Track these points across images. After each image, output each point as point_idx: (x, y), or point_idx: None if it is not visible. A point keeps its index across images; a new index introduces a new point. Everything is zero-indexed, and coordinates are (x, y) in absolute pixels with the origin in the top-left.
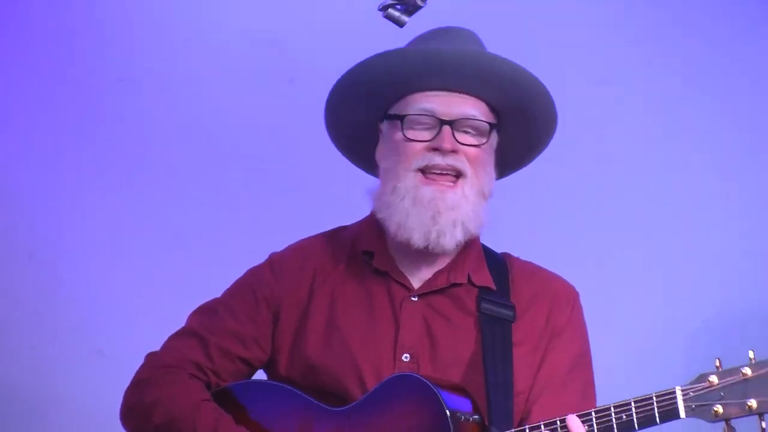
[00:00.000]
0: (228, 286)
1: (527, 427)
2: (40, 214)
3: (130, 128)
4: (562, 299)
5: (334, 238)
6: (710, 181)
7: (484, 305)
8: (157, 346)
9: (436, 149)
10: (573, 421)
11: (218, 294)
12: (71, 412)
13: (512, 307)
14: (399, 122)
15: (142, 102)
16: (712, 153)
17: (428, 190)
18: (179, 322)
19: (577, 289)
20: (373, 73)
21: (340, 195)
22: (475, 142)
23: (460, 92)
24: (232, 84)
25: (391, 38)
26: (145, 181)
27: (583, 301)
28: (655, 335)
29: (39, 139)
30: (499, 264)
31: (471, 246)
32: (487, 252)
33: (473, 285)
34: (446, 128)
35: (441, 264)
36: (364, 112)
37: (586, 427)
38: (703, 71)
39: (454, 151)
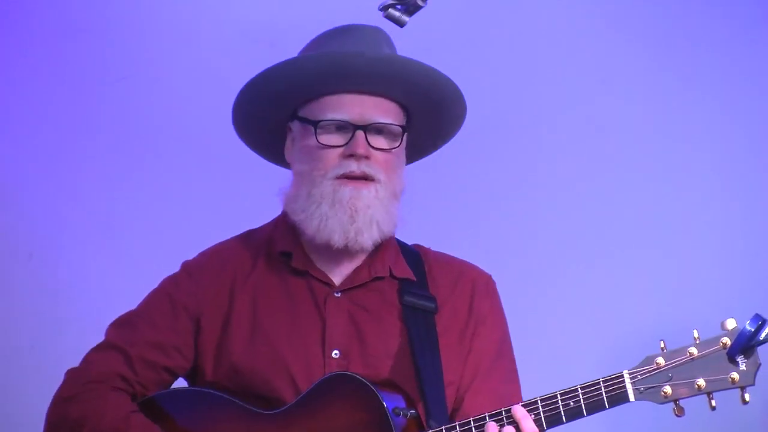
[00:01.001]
0: (143, 297)
1: (472, 419)
2: (40, 214)
3: (131, 128)
4: (481, 287)
5: (248, 240)
6: (710, 181)
7: (407, 298)
8: None
9: (350, 155)
10: (518, 411)
11: None
12: None
13: (433, 299)
14: (312, 127)
15: (143, 102)
16: (712, 153)
17: (346, 190)
18: None
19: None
20: (283, 78)
21: None
22: (388, 146)
23: (370, 95)
24: (232, 84)
25: (391, 38)
26: (145, 181)
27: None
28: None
29: (39, 139)
30: (414, 256)
31: (388, 240)
32: (402, 245)
33: (394, 278)
34: (359, 133)
35: (359, 260)
36: (273, 112)
37: (533, 416)
38: (702, 71)
39: (367, 157)
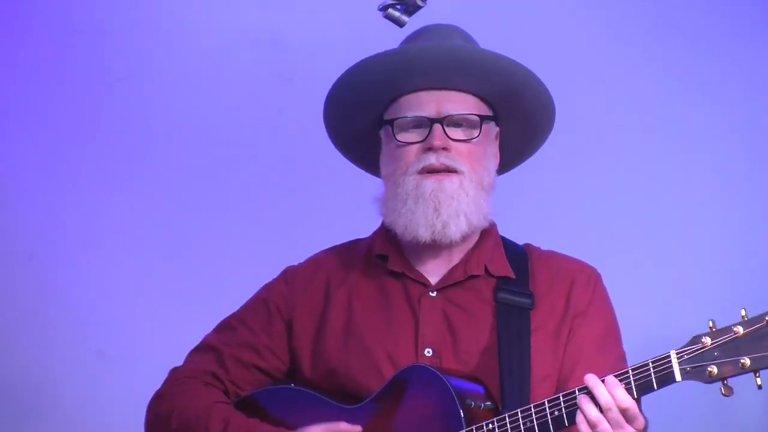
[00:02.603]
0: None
1: (532, 405)
2: (40, 214)
3: (131, 128)
4: (581, 280)
5: (350, 248)
6: (710, 181)
7: (501, 295)
8: (158, 347)
9: (429, 149)
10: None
11: (215, 295)
12: (71, 412)
13: (530, 295)
14: (390, 128)
15: (143, 102)
16: (712, 153)
17: (428, 183)
18: (179, 322)
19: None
20: (357, 82)
21: (339, 195)
22: (466, 137)
23: (446, 89)
24: (232, 84)
25: (391, 38)
26: (145, 181)
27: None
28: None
29: (39, 139)
30: (519, 254)
31: (487, 237)
32: (506, 243)
33: (491, 275)
34: (436, 126)
35: (456, 259)
36: (361, 122)
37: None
38: (702, 71)
39: (445, 149)
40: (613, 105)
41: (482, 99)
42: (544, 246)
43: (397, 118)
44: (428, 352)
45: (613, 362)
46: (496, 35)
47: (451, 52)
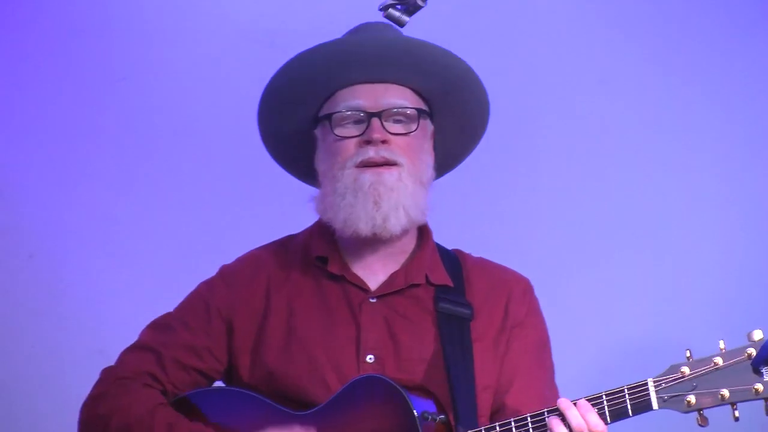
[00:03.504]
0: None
1: (497, 424)
2: (40, 214)
3: (132, 128)
4: (518, 292)
5: (285, 246)
6: (709, 180)
7: (442, 305)
8: None
9: (368, 142)
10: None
11: None
12: (72, 412)
13: (469, 305)
14: (328, 123)
15: (143, 102)
16: (712, 153)
17: (366, 176)
18: None
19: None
20: (293, 77)
21: None
22: (405, 130)
23: (383, 82)
24: (233, 84)
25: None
26: (145, 181)
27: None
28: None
29: (39, 139)
30: (453, 261)
31: (425, 245)
32: (441, 250)
33: (431, 284)
34: (375, 120)
35: (396, 265)
36: (296, 122)
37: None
38: (703, 71)
39: (385, 142)
40: (612, 104)
41: (419, 94)
42: (539, 252)
43: (335, 113)
44: (370, 358)
45: (549, 375)
46: (496, 35)
47: (388, 44)
